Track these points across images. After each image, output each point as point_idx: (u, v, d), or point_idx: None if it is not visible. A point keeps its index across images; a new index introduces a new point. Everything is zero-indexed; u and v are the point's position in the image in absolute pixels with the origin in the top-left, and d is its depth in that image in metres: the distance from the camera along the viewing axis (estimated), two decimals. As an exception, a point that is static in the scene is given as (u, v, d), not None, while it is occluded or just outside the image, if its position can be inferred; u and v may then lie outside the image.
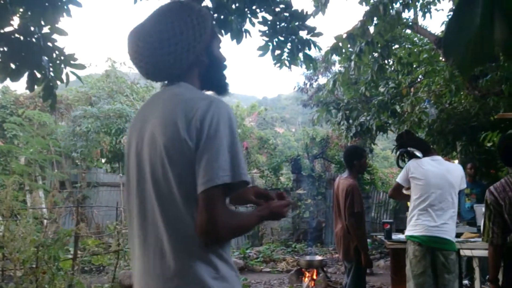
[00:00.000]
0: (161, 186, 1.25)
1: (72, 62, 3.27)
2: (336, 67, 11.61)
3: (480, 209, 4.23)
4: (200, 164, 1.19)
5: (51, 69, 3.19)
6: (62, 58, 3.25)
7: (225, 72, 1.47)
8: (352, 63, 6.34)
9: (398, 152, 3.76)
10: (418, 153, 3.60)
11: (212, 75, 1.43)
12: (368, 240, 9.28)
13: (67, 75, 3.32)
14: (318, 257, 7.64)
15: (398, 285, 4.42)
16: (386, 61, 7.09)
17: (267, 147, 14.87)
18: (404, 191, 3.76)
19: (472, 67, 0.67)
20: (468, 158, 7.98)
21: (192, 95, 1.29)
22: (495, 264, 2.88)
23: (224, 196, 1.21)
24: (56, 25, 3.12)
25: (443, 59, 6.99)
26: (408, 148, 3.68)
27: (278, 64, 4.79)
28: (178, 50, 1.31)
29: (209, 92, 1.44)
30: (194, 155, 1.20)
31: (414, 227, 3.46)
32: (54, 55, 3.25)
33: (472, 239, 4.27)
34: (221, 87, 1.45)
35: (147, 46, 1.32)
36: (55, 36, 3.18)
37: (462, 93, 7.34)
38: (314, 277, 6.90)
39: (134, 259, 1.35)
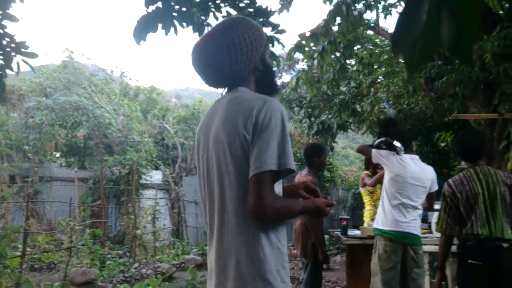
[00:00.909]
0: (224, 176, 1.46)
1: (23, 50, 3.12)
2: (300, 65, 11.72)
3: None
4: (252, 153, 1.39)
5: (0, 56, 3.04)
6: (13, 45, 3.10)
7: (274, 77, 1.70)
8: (315, 61, 6.40)
9: (379, 140, 3.70)
10: (398, 145, 3.57)
11: (266, 80, 1.65)
12: (326, 236, 9.48)
13: (18, 63, 3.17)
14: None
15: (353, 280, 4.51)
16: (348, 61, 7.21)
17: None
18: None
19: (419, 64, 0.68)
20: (423, 157, 8.25)
21: (249, 96, 1.51)
22: (444, 253, 3.03)
23: (271, 181, 1.39)
24: (7, 11, 2.97)
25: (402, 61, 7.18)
26: (391, 139, 3.63)
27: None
28: (242, 62, 1.52)
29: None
30: (248, 149, 1.41)
31: (385, 222, 3.51)
32: (4, 42, 3.09)
33: (423, 235, 4.42)
34: (272, 90, 1.66)
35: (215, 58, 1.51)
36: (5, 22, 3.03)
37: (419, 94, 7.57)
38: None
39: (211, 243, 1.55)
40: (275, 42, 4.57)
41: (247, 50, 1.52)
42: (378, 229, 3.55)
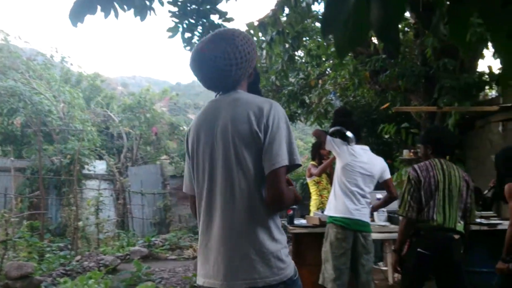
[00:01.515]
0: (233, 169, 1.62)
1: None
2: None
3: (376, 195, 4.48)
4: (267, 152, 1.59)
5: None
6: None
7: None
8: (264, 52, 6.38)
9: (333, 128, 3.72)
10: (350, 135, 3.60)
11: (255, 85, 1.86)
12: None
13: None
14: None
15: (299, 267, 4.53)
16: (296, 52, 7.25)
17: (178, 133, 14.57)
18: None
19: (350, 47, 0.66)
20: (368, 149, 8.47)
21: (254, 98, 1.69)
22: (403, 237, 3.09)
23: (284, 175, 1.61)
24: None
25: (349, 53, 7.31)
26: (344, 129, 3.64)
27: (189, 48, 4.67)
28: (244, 68, 1.70)
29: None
30: (261, 144, 1.60)
31: (337, 210, 3.55)
32: None
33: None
34: (259, 92, 1.88)
35: (223, 62, 1.66)
36: None
37: (364, 87, 7.76)
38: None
39: (201, 229, 1.71)
40: (223, 30, 4.48)
41: (248, 58, 1.70)
42: (331, 217, 3.60)
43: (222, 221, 1.63)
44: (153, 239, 9.47)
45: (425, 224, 3.00)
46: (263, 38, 5.70)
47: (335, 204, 3.58)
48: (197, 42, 4.38)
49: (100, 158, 13.54)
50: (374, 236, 4.33)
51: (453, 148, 3.16)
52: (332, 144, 3.66)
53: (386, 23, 0.61)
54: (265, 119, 1.60)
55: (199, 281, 1.71)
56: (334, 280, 3.45)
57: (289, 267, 1.64)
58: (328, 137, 3.71)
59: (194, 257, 7.93)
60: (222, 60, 1.66)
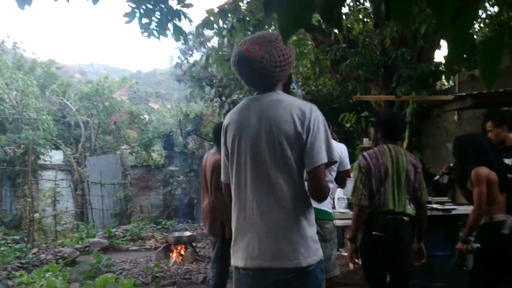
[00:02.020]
0: (279, 164, 1.82)
1: None
2: (212, 43, 11.54)
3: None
4: (309, 151, 1.80)
5: None
6: None
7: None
8: (225, 39, 6.31)
9: None
10: None
11: (288, 87, 2.06)
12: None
13: None
14: (187, 233, 7.63)
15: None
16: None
17: (138, 122, 14.26)
18: None
19: (294, 28, 0.65)
20: (329, 137, 8.59)
21: (294, 101, 1.91)
22: (357, 225, 3.15)
23: (324, 171, 1.85)
24: None
25: (311, 43, 7.36)
26: None
27: (146, 34, 4.55)
28: (285, 70, 1.87)
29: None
30: (303, 144, 1.80)
31: None
32: None
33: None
34: (289, 93, 2.05)
35: (268, 64, 1.82)
36: None
37: (325, 76, 7.83)
38: (182, 252, 6.89)
39: (241, 213, 1.90)
40: (182, 17, 4.39)
41: (289, 61, 1.88)
42: None
43: (268, 210, 1.82)
44: (113, 230, 9.28)
45: (377, 209, 3.09)
46: (225, 26, 5.63)
47: None
48: (155, 28, 4.29)
49: (57, 148, 13.08)
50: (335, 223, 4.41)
51: (401, 133, 3.23)
52: None
53: (330, 4, 0.61)
54: (307, 122, 1.81)
55: (239, 263, 1.89)
56: None
57: (320, 248, 1.89)
58: None
59: (156, 248, 7.83)
60: (268, 62, 1.82)
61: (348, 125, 9.06)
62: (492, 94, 5.04)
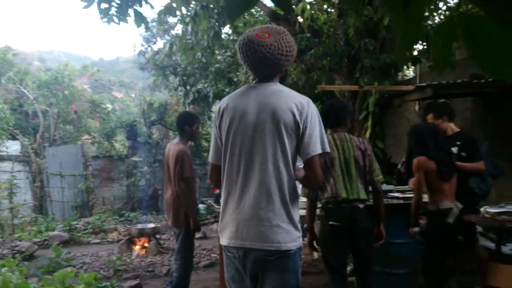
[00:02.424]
0: (276, 151, 1.92)
1: None
2: (176, 30, 11.30)
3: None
4: (305, 141, 1.92)
5: None
6: None
7: None
8: (189, 27, 6.18)
9: None
10: None
11: (284, 80, 2.12)
12: (204, 206, 9.50)
13: None
14: (151, 225, 7.52)
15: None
16: (223, 29, 7.12)
17: (100, 112, 13.84)
18: None
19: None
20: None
21: (293, 92, 2.01)
22: (311, 216, 3.21)
23: (319, 161, 1.99)
24: None
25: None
26: None
27: (106, 19, 4.39)
28: (287, 62, 1.97)
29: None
30: (300, 134, 1.92)
31: None
32: None
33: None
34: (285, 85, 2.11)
35: (274, 53, 1.90)
36: None
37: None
38: (146, 245, 6.78)
39: (230, 196, 2.00)
40: (143, 2, 4.27)
41: (293, 53, 1.97)
42: None
43: (258, 193, 1.92)
44: (74, 223, 9.03)
45: (332, 199, 3.13)
46: (188, 13, 5.52)
47: None
48: (114, 13, 4.13)
49: (14, 138, 12.55)
50: (300, 212, 4.43)
51: (343, 121, 3.28)
52: None
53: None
54: (305, 113, 1.92)
55: (224, 241, 2.02)
56: None
57: (301, 236, 2.01)
58: None
59: (119, 240, 7.68)
60: (275, 49, 1.90)
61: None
62: (451, 84, 5.18)
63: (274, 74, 2.00)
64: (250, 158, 1.94)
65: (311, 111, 1.95)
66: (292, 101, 1.93)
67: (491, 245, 4.25)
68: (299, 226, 2.00)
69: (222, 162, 2.04)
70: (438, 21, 6.77)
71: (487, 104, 6.48)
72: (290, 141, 1.93)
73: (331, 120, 3.26)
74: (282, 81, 2.08)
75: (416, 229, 3.33)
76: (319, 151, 1.95)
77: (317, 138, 1.95)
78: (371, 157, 3.21)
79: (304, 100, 1.96)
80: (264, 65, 1.93)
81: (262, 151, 1.92)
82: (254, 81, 2.05)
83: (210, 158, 2.13)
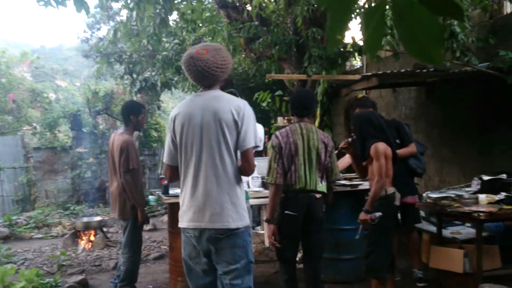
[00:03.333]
0: (221, 146, 2.31)
1: None
2: (121, 16, 10.89)
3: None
4: (243, 136, 2.32)
5: None
6: None
7: None
8: (134, 13, 5.98)
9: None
10: None
11: (225, 88, 2.62)
12: (153, 197, 9.32)
13: None
14: (97, 218, 7.31)
15: (174, 237, 4.49)
16: (170, 16, 6.94)
17: (41, 101, 13.16)
18: None
19: None
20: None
21: (231, 97, 2.43)
22: (274, 203, 3.19)
23: (253, 152, 2.40)
24: None
25: (225, 20, 7.24)
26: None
27: (42, 3, 4.17)
28: (225, 73, 2.39)
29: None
30: (238, 131, 2.32)
31: None
32: None
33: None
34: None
35: (214, 66, 2.31)
36: None
37: (241, 54, 7.77)
38: (92, 238, 6.57)
39: (186, 187, 2.38)
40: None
41: (229, 66, 2.40)
42: None
43: (208, 182, 2.30)
44: (15, 217, 8.58)
45: (290, 187, 3.15)
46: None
47: None
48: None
49: None
50: (251, 202, 4.44)
51: (312, 111, 3.33)
52: None
53: None
54: (242, 114, 2.31)
55: (183, 224, 2.40)
56: None
57: (248, 217, 2.40)
58: None
59: (64, 235, 7.38)
60: (212, 64, 2.31)
61: (264, 104, 9.16)
62: (395, 74, 5.34)
63: (213, 83, 2.39)
64: (200, 153, 2.33)
65: (247, 112, 2.35)
66: (231, 104, 2.34)
67: (433, 228, 4.45)
68: (245, 207, 2.39)
69: (178, 161, 2.42)
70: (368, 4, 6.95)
71: (430, 93, 6.75)
72: (231, 137, 2.32)
73: (298, 109, 3.29)
74: (227, 87, 2.59)
75: (378, 214, 3.29)
76: (253, 144, 2.36)
77: (251, 133, 2.35)
78: (332, 154, 3.27)
79: (241, 103, 2.37)
80: (203, 76, 2.34)
81: (209, 146, 2.31)
82: (200, 90, 2.48)
83: (165, 159, 2.51)
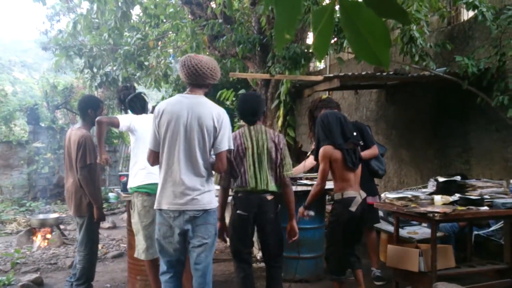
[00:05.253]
0: (200, 144, 2.77)
1: None
2: (82, 8, 10.56)
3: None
4: (219, 140, 2.80)
5: None
6: None
7: None
8: (95, 5, 5.82)
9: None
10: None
11: (208, 94, 3.00)
12: (113, 194, 9.10)
13: None
14: (54, 215, 7.08)
15: (132, 235, 4.41)
16: (133, 11, 6.80)
17: (-2, 94, 12.61)
18: None
19: None
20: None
21: (213, 104, 2.87)
22: (222, 204, 3.28)
23: (226, 154, 2.90)
24: None
25: (189, 16, 7.17)
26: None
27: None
28: (212, 81, 2.84)
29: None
30: (216, 135, 2.79)
31: (143, 179, 3.42)
32: None
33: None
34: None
35: (203, 73, 2.77)
36: None
37: (204, 52, 7.70)
38: (48, 236, 6.36)
39: (167, 174, 2.81)
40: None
41: (217, 75, 2.84)
42: (134, 187, 3.48)
43: (186, 171, 2.75)
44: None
45: (241, 188, 3.19)
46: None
47: (142, 173, 3.44)
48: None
49: None
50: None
51: (260, 114, 3.30)
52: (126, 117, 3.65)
53: None
54: (221, 120, 2.78)
55: (163, 206, 2.79)
56: (147, 250, 3.44)
57: (216, 201, 2.92)
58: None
59: (18, 232, 7.11)
60: (205, 64, 2.76)
61: (228, 102, 9.12)
62: (356, 76, 5.45)
63: (201, 83, 2.80)
64: (181, 148, 2.75)
65: (225, 120, 2.82)
66: (213, 111, 2.78)
67: (391, 228, 4.56)
68: (214, 193, 2.89)
69: (160, 149, 2.81)
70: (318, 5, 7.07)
71: (390, 96, 6.93)
72: (208, 139, 2.77)
73: (246, 117, 3.28)
74: (206, 95, 2.88)
75: (312, 212, 3.55)
76: (227, 147, 2.83)
77: (226, 138, 2.81)
78: (283, 151, 3.26)
79: (221, 111, 2.82)
80: (194, 74, 2.75)
81: (191, 144, 2.75)
82: (185, 92, 2.89)
83: (150, 145, 2.84)
